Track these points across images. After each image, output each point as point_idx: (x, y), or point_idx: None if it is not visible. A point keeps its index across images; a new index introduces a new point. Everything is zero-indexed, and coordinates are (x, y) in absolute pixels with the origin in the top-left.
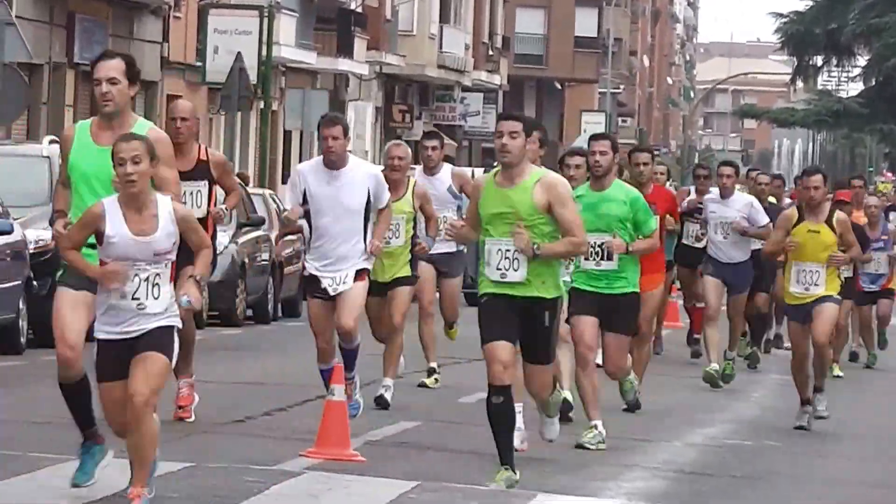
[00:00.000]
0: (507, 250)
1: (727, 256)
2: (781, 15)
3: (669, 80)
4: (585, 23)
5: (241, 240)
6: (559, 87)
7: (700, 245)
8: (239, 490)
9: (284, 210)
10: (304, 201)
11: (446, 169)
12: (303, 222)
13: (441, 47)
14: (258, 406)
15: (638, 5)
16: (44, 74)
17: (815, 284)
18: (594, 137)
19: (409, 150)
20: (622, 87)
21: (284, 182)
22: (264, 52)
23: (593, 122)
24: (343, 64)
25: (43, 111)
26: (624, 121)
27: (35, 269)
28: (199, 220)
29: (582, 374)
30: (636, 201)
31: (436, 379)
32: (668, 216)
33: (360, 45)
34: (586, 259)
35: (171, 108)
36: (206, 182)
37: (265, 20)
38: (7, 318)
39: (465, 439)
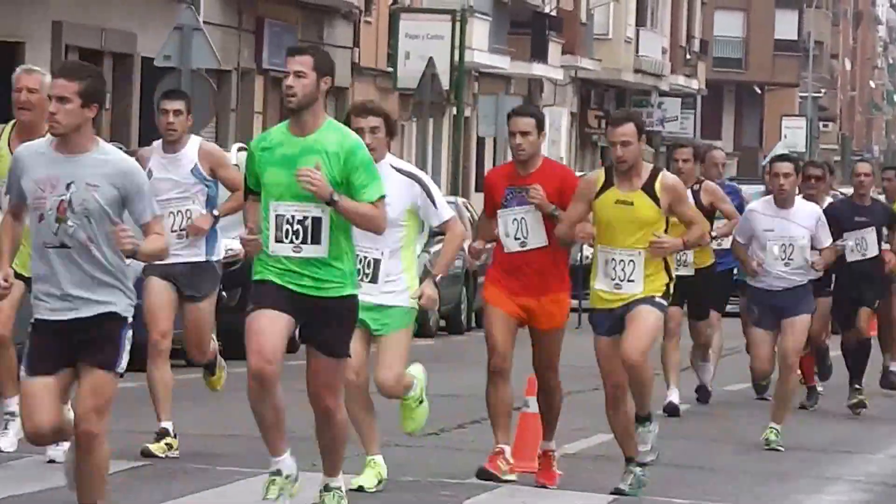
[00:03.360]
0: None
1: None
2: None
3: (872, 84)
4: (785, 25)
5: (433, 249)
6: (759, 91)
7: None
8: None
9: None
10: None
11: (193, 143)
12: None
13: (638, 51)
14: (452, 419)
15: (839, 7)
16: (232, 81)
17: (630, 280)
18: (290, 53)
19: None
20: (823, 91)
21: (478, 190)
22: (457, 58)
23: (794, 127)
24: (537, 69)
25: (231, 118)
26: (825, 125)
27: (224, 279)
28: None
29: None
30: (355, 151)
31: (168, 444)
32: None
33: (554, 49)
34: (279, 241)
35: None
36: None
37: (457, 24)
38: None
39: (661, 451)
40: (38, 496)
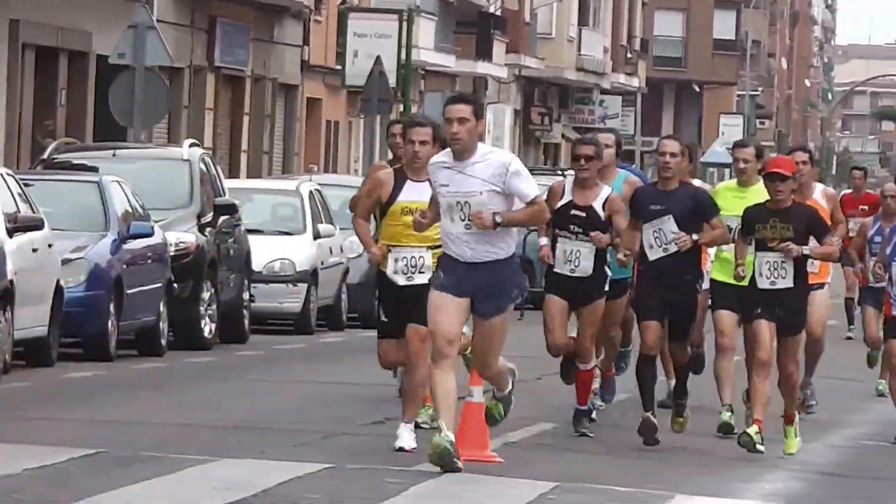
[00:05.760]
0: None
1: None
2: None
3: (807, 83)
4: (724, 25)
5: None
6: (698, 89)
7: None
8: (379, 491)
9: None
10: None
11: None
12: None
13: (580, 50)
14: (398, 408)
15: (776, 7)
16: (184, 78)
17: None
18: None
19: None
20: (760, 89)
21: None
22: (404, 56)
23: (731, 125)
24: (482, 67)
25: (184, 115)
26: (762, 123)
27: (175, 271)
28: None
29: None
30: None
31: None
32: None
33: (499, 48)
34: None
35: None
36: None
37: (405, 24)
38: (148, 321)
39: (603, 440)
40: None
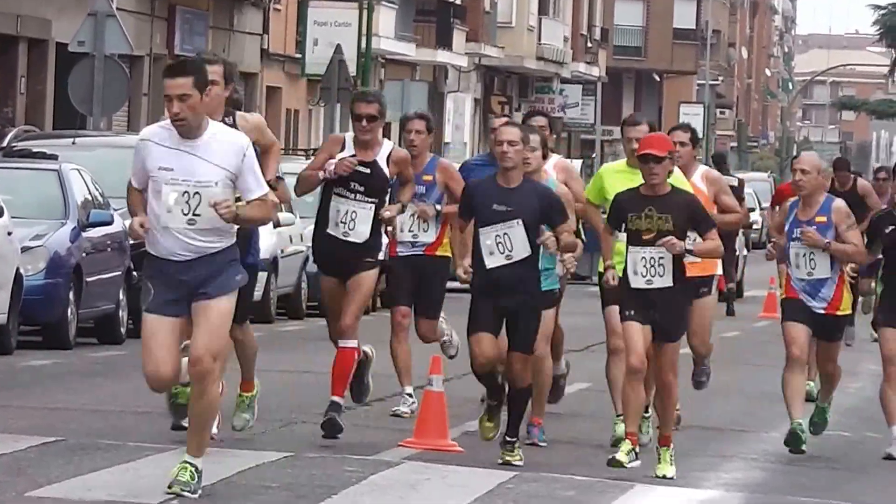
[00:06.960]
0: None
1: None
2: (880, 7)
3: (768, 72)
4: (684, 14)
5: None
6: (658, 78)
7: None
8: (337, 479)
9: None
10: None
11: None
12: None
13: (540, 39)
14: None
15: None
16: (144, 66)
17: None
18: None
19: None
20: (721, 78)
21: None
22: (363, 44)
23: (692, 114)
24: (442, 56)
25: (143, 102)
26: (722, 112)
27: (135, 259)
28: None
29: None
30: None
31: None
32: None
33: (459, 36)
34: None
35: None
36: None
37: (365, 12)
38: (107, 309)
39: (564, 429)
40: None
